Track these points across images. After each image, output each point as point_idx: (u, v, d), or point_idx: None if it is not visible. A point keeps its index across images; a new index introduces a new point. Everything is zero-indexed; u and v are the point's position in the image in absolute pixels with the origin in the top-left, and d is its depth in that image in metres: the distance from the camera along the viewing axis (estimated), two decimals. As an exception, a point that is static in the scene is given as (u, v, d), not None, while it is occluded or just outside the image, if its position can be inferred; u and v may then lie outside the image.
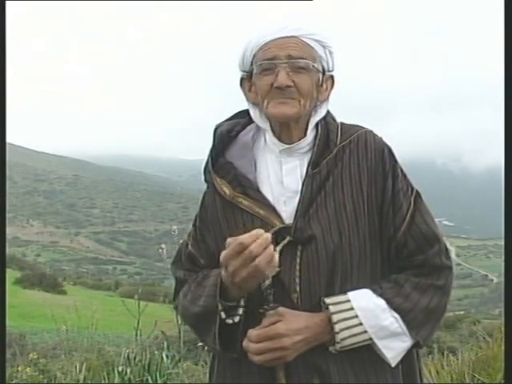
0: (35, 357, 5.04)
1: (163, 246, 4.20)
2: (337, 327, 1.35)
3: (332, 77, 1.51)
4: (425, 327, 1.40)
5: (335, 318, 1.36)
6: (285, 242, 1.40)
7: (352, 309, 1.37)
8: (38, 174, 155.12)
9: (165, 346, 4.34)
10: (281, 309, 1.36)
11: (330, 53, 1.48)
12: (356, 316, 1.36)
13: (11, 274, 29.24)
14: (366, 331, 1.36)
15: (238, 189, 1.46)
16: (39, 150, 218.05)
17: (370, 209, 1.43)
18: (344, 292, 1.39)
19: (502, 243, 1.77)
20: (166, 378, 4.10)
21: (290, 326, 1.34)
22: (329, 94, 1.51)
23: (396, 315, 1.37)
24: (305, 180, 1.43)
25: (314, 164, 1.43)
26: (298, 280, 1.39)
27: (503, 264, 1.62)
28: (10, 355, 5.25)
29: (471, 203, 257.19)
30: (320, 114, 1.49)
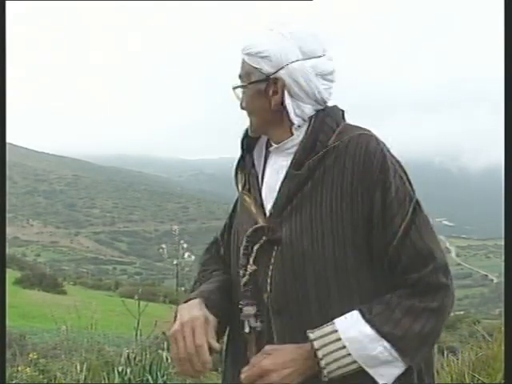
0: (35, 357, 5.05)
1: (164, 246, 4.21)
2: (323, 362, 1.32)
3: (281, 78, 1.42)
4: (419, 352, 1.34)
5: (320, 353, 1.32)
6: (261, 241, 1.41)
7: (339, 339, 1.32)
8: (38, 174, 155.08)
9: (165, 346, 4.35)
10: (267, 346, 1.36)
11: (264, 57, 1.42)
12: (344, 347, 1.32)
13: (11, 274, 29.24)
14: (355, 361, 1.32)
15: (246, 186, 1.51)
16: (39, 149, 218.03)
17: (353, 218, 1.35)
18: (325, 307, 1.35)
19: (502, 243, 1.77)
20: (166, 377, 4.10)
21: (276, 360, 1.33)
22: (283, 94, 1.43)
23: (386, 344, 1.30)
24: (284, 181, 1.42)
25: (295, 165, 1.41)
26: (269, 280, 1.39)
27: (503, 264, 1.62)
28: (10, 355, 5.25)
29: (471, 203, 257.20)
30: (293, 111, 1.43)
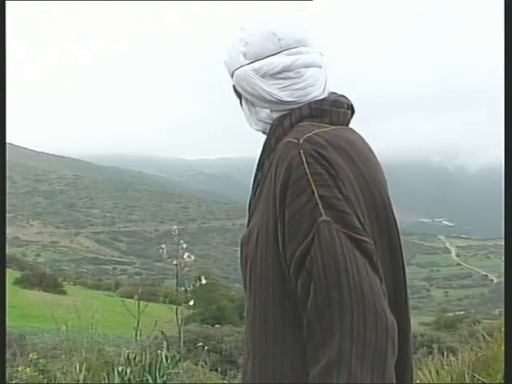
0: (35, 357, 5.04)
1: (163, 246, 4.21)
2: None
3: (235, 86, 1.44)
4: None
5: None
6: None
7: None
8: (38, 174, 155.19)
9: (164, 346, 4.35)
10: None
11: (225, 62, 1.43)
12: None
13: (11, 274, 29.34)
14: None
15: None
16: (39, 150, 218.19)
17: (275, 231, 1.22)
18: (255, 295, 1.30)
19: (502, 243, 1.78)
20: (165, 378, 4.11)
21: None
22: (241, 102, 1.43)
23: None
24: (253, 182, 1.39)
25: (257, 167, 1.38)
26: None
27: (503, 264, 1.62)
28: (9, 355, 5.26)
29: (470, 203, 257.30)
30: (251, 117, 1.40)
